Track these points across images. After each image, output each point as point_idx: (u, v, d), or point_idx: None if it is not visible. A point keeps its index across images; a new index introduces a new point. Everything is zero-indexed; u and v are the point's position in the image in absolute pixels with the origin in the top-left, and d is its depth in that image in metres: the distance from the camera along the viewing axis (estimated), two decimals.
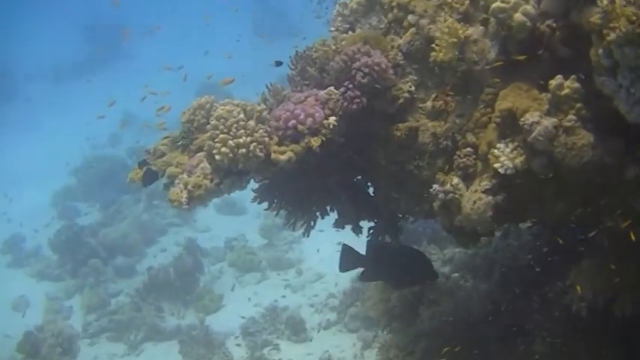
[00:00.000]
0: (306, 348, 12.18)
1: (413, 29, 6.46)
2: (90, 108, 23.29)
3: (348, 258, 7.66)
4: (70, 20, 38.25)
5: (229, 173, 6.21)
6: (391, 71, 6.27)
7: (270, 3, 33.86)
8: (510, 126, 5.54)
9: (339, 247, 7.65)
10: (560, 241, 6.73)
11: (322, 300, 13.62)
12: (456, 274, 9.77)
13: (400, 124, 6.37)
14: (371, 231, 7.58)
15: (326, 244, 8.93)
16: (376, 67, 6.12)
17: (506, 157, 5.55)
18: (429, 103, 6.31)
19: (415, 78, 6.48)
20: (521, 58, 5.55)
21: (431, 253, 11.05)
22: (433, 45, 6.13)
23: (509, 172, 5.54)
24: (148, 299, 14.59)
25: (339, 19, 7.22)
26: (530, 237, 8.16)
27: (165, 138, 6.82)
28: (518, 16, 5.47)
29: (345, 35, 6.85)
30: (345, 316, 12.60)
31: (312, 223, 7.36)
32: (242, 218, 18.38)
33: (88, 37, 35.35)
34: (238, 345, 12.57)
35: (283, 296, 14.11)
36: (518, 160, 5.51)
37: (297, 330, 12.58)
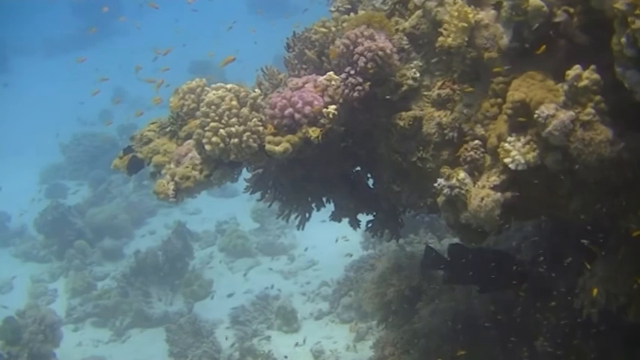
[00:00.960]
0: (298, 339, 11.88)
1: (419, 12, 6.09)
2: (80, 83, 23.02)
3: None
4: None
5: (220, 164, 5.85)
6: (396, 57, 5.88)
7: None
8: (523, 118, 5.21)
9: (332, 234, 7.31)
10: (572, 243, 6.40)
11: (315, 288, 13.39)
12: None
13: (403, 113, 6.06)
14: (369, 224, 7.23)
15: (319, 230, 8.64)
16: (380, 53, 5.71)
17: (517, 151, 5.22)
18: (434, 91, 5.98)
19: (420, 64, 6.11)
20: (541, 49, 5.19)
21: (428, 242, 10.81)
22: (441, 29, 5.76)
23: (520, 167, 5.21)
24: (135, 284, 14.34)
25: None
26: (532, 229, 7.79)
27: (153, 123, 6.45)
28: (534, 1, 5.09)
29: (346, 16, 6.42)
30: (338, 306, 12.37)
31: (307, 214, 7.04)
32: (233, 200, 18.15)
33: (78, 11, 34.89)
34: (227, 338, 12.25)
35: (272, 286, 13.79)
36: (531, 156, 5.18)
37: (288, 320, 12.31)
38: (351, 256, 12.86)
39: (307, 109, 5.66)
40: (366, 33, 5.79)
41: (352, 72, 5.83)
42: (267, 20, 22.19)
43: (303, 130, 5.70)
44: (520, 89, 5.22)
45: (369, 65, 5.74)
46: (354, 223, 7.19)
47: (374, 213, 7.16)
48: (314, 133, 5.64)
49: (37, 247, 17.10)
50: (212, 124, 5.65)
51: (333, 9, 6.80)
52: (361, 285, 11.14)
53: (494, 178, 5.45)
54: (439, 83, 5.98)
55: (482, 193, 5.45)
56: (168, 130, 6.30)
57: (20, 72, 32.76)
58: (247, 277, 14.45)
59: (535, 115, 5.02)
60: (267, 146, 5.69)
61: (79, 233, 16.75)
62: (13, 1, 38.20)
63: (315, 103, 5.67)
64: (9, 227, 18.65)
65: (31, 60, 34.10)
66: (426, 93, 6.06)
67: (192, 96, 6.20)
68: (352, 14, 6.46)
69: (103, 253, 16.38)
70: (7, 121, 26.95)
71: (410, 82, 6.04)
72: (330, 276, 13.31)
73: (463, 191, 5.63)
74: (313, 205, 6.99)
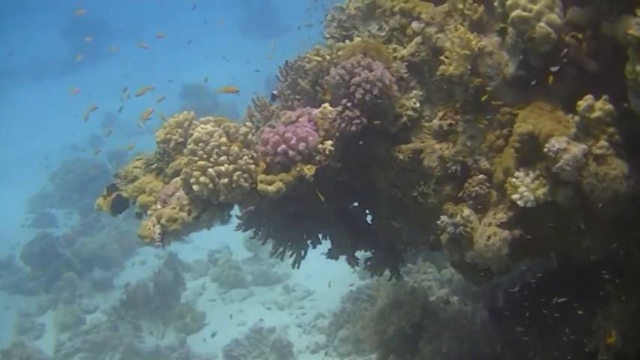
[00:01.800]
0: None
1: (418, 38, 5.85)
2: (70, 108, 22.65)
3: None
4: (50, 17, 37.71)
5: (209, 205, 5.53)
6: (395, 87, 5.58)
7: (255, 4, 33.20)
8: (531, 152, 4.98)
9: (328, 262, 6.99)
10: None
11: (310, 320, 13.01)
12: (456, 298, 9.34)
13: (403, 146, 5.85)
14: (368, 262, 6.92)
15: (314, 258, 8.30)
16: (379, 83, 5.39)
17: (526, 187, 5.00)
18: (435, 122, 5.78)
19: (420, 93, 5.88)
20: (549, 78, 4.93)
21: (427, 272, 10.54)
22: (442, 57, 5.52)
23: (529, 204, 4.99)
24: (125, 317, 14.00)
25: (334, 24, 6.55)
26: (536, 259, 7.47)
27: (138, 160, 6.10)
28: (541, 27, 4.85)
29: (341, 44, 6.11)
30: (334, 339, 11.96)
31: (302, 252, 6.70)
32: (226, 229, 17.35)
33: (67, 34, 34.69)
34: None
35: (260, 320, 13.42)
36: (541, 192, 4.95)
37: (283, 354, 11.97)
38: (351, 285, 12.55)
39: (302, 146, 5.34)
40: (363, 63, 5.48)
41: (349, 104, 5.54)
42: (257, 41, 21.94)
43: (298, 168, 5.40)
44: (528, 121, 4.99)
45: (366, 97, 5.45)
46: (352, 261, 6.88)
47: (372, 250, 6.86)
48: (309, 171, 5.33)
49: (24, 279, 16.68)
50: (200, 162, 5.32)
51: (327, 35, 6.55)
52: (359, 318, 10.81)
53: (502, 215, 5.24)
54: (440, 114, 5.78)
55: (489, 231, 5.22)
56: (154, 166, 5.99)
57: (8, 96, 32.41)
58: (241, 309, 14.02)
59: (545, 149, 4.78)
60: (260, 186, 5.39)
61: (68, 264, 16.36)
62: (0, 24, 38.09)
63: (310, 139, 5.36)
64: None
65: (20, 84, 33.79)
66: (426, 124, 5.84)
67: (180, 130, 5.91)
68: (347, 41, 6.16)
69: (93, 285, 15.97)
70: None
71: (409, 112, 5.81)
72: (327, 307, 12.96)
73: (468, 229, 5.42)
74: (309, 242, 6.66)
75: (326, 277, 13.11)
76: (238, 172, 5.32)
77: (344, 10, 6.48)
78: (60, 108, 27.78)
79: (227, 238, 16.47)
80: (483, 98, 5.26)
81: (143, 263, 16.83)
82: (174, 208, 5.46)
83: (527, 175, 4.98)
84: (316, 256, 6.81)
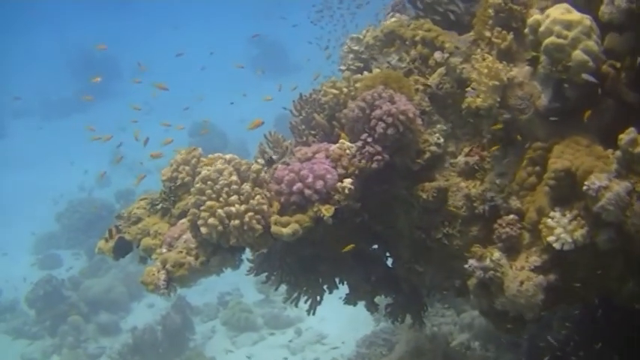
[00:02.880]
0: None
1: (441, 69, 5.55)
2: (78, 146, 22.69)
3: None
4: (58, 55, 37.83)
5: (219, 249, 5.16)
6: (419, 121, 5.19)
7: (267, 41, 33.18)
8: (568, 190, 4.68)
9: (342, 305, 6.59)
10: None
11: None
12: (477, 343, 8.82)
13: (426, 184, 5.49)
14: (388, 308, 6.54)
15: (328, 300, 7.94)
16: (401, 117, 5.03)
17: (563, 228, 4.67)
18: (461, 159, 5.48)
19: (444, 128, 5.58)
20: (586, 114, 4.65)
21: (445, 315, 10.12)
22: (468, 88, 5.23)
23: (566, 247, 4.65)
24: None
25: (351, 56, 6.26)
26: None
27: (143, 199, 5.74)
28: (578, 54, 4.58)
29: (359, 76, 5.76)
30: None
31: (318, 298, 6.32)
32: (237, 270, 17.12)
33: (77, 72, 34.67)
34: None
35: None
36: (579, 233, 4.62)
37: None
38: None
39: (319, 184, 4.96)
40: (384, 94, 5.14)
41: (369, 139, 5.20)
42: (269, 79, 21.72)
43: (315, 209, 5.04)
44: (564, 156, 4.70)
45: (389, 132, 5.09)
46: (372, 307, 6.51)
47: (393, 295, 6.48)
48: (327, 211, 4.95)
49: (28, 323, 16.29)
50: (208, 202, 4.96)
51: (343, 67, 6.25)
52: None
53: (535, 259, 4.91)
54: (466, 149, 5.46)
55: (522, 276, 4.89)
56: (159, 207, 5.65)
57: (17, 136, 32.34)
58: (252, 353, 13.61)
59: (584, 187, 4.48)
60: (274, 228, 5.02)
61: (73, 307, 15.99)
62: (9, 62, 38.15)
63: (328, 176, 4.98)
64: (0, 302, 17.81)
65: (29, 123, 33.70)
66: (451, 161, 5.54)
67: (187, 168, 5.59)
68: (365, 73, 5.80)
69: (99, 329, 15.59)
70: (3, 185, 26.33)
71: (433, 148, 5.50)
72: (341, 352, 12.48)
73: (498, 273, 5.05)
74: (325, 287, 6.29)
75: (340, 320, 12.80)
76: (250, 213, 4.97)
77: (360, 40, 6.16)
78: (68, 147, 27.55)
79: (237, 279, 15.93)
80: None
81: (151, 306, 16.48)
82: (180, 252, 5.09)
83: (564, 215, 4.66)
84: (329, 298, 6.45)
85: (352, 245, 5.45)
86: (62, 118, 32.82)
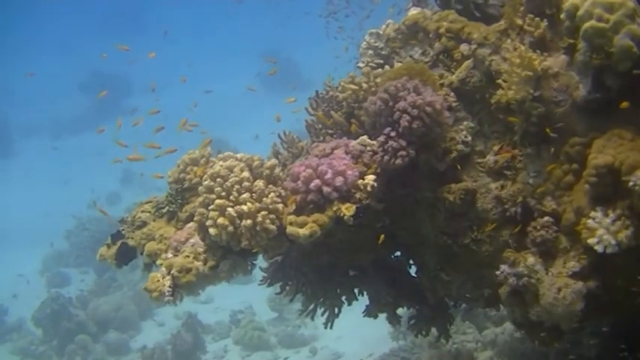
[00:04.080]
0: None
1: (468, 62, 5.22)
2: (89, 165, 23.11)
3: None
4: (68, 74, 38.01)
5: (229, 252, 4.84)
6: (447, 114, 4.81)
7: (280, 58, 33.13)
8: (610, 188, 4.35)
9: (359, 322, 6.28)
10: None
11: None
12: None
13: (453, 185, 5.18)
14: (412, 321, 6.18)
15: (344, 317, 7.63)
16: (428, 109, 4.65)
17: (605, 229, 4.31)
18: (490, 158, 5.16)
19: (472, 125, 5.24)
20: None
21: (466, 333, 9.77)
22: (499, 81, 4.90)
23: (610, 250, 4.30)
24: None
25: (370, 52, 5.95)
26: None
27: (148, 202, 5.41)
28: (621, 40, 4.25)
29: (380, 70, 5.42)
30: None
31: (335, 310, 5.99)
32: (249, 287, 16.91)
33: (87, 91, 34.75)
34: None
35: None
36: (624, 235, 4.28)
37: None
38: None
39: (339, 181, 4.58)
40: (409, 85, 4.73)
41: (393, 134, 4.85)
42: (280, 96, 21.54)
43: (334, 208, 4.68)
44: (605, 151, 4.39)
45: (414, 125, 4.72)
46: (394, 320, 6.16)
47: (417, 307, 6.13)
48: (348, 210, 4.59)
49: (35, 342, 16.11)
50: (218, 201, 4.64)
51: (362, 64, 5.89)
52: None
53: (573, 264, 4.62)
54: (496, 148, 5.14)
55: (559, 283, 4.61)
56: (165, 210, 5.32)
57: (27, 155, 32.34)
58: None
59: (630, 184, 4.19)
60: (289, 229, 4.68)
61: (81, 326, 15.80)
62: (19, 84, 38.26)
63: (349, 172, 4.60)
64: (6, 321, 17.66)
65: (39, 142, 33.74)
66: (479, 160, 5.21)
67: (195, 168, 5.15)
68: (387, 67, 5.45)
69: (107, 348, 15.37)
70: (9, 207, 26.21)
71: (460, 147, 5.20)
72: None
73: (533, 280, 4.78)
74: (343, 298, 5.97)
75: (356, 338, 12.65)
76: (263, 212, 4.65)
77: (380, 35, 5.82)
78: (78, 165, 27.50)
79: (250, 297, 16.09)
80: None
81: (161, 325, 16.36)
82: (187, 256, 4.76)
83: (607, 215, 4.33)
84: (346, 315, 6.14)
85: (382, 235, 5.12)
86: (73, 137, 32.87)
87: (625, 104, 4.29)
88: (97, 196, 22.96)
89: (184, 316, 15.01)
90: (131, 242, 5.22)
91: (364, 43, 5.96)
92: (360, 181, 4.77)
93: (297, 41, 32.11)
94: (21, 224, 23.97)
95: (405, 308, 6.23)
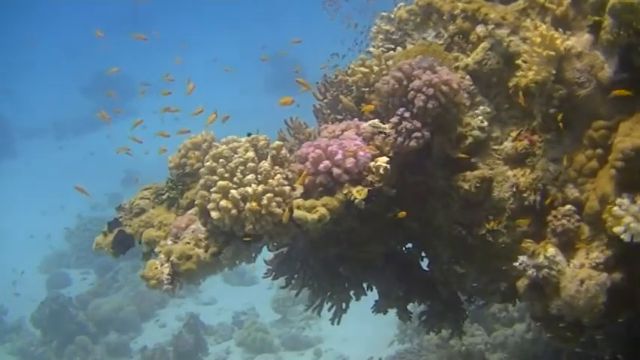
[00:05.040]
0: None
1: (485, 43, 4.96)
2: (90, 166, 22.35)
3: None
4: (71, 75, 37.94)
5: (232, 238, 4.55)
6: (464, 94, 4.52)
7: (283, 60, 32.98)
8: (639, 173, 4.13)
9: (366, 323, 6.02)
10: None
11: None
12: None
13: (468, 173, 4.94)
14: (423, 317, 5.93)
15: (350, 318, 7.39)
16: (444, 88, 4.38)
17: (633, 217, 4.09)
18: (507, 144, 4.94)
19: (488, 110, 4.98)
20: None
21: (474, 335, 9.56)
22: (518, 61, 4.69)
23: (637, 239, 4.08)
24: None
25: (380, 37, 5.74)
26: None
27: (147, 189, 5.12)
28: None
29: (392, 53, 5.18)
30: None
31: (343, 305, 5.75)
32: (252, 289, 17.01)
33: (89, 93, 34.66)
34: None
35: None
36: None
37: None
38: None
39: (350, 163, 4.30)
40: (424, 63, 4.47)
41: (407, 114, 4.59)
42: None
43: (345, 191, 4.41)
44: (633, 134, 4.19)
45: (429, 105, 4.45)
46: (404, 315, 5.91)
47: (429, 302, 5.88)
48: (359, 193, 4.33)
49: (34, 343, 15.88)
50: (220, 182, 4.36)
51: (372, 49, 5.61)
52: None
53: (597, 254, 4.42)
54: (514, 134, 4.92)
55: (582, 274, 4.41)
56: (165, 196, 5.05)
57: (29, 156, 32.22)
58: None
59: None
60: (297, 212, 4.41)
61: (81, 327, 15.58)
62: (21, 84, 38.20)
63: (361, 153, 4.34)
64: (5, 321, 17.45)
65: (41, 143, 33.66)
66: (496, 147, 4.98)
67: (197, 153, 4.95)
68: (399, 49, 5.19)
69: (108, 350, 15.12)
70: (10, 207, 26.08)
71: (475, 132, 4.97)
72: None
73: (554, 272, 4.56)
74: (351, 292, 5.72)
75: (362, 340, 12.51)
76: (269, 195, 4.37)
77: (392, 19, 5.57)
78: (81, 166, 27.35)
79: (253, 298, 16.00)
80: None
81: (163, 326, 16.06)
82: (188, 243, 4.48)
83: (635, 202, 4.12)
84: (351, 317, 5.93)
85: (404, 212, 4.89)
86: (75, 137, 32.79)
87: None
88: (101, 197, 22.90)
89: (186, 317, 14.81)
90: (129, 230, 4.96)
91: (374, 27, 5.73)
92: (373, 163, 4.52)
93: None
94: (21, 224, 23.82)
95: (416, 304, 5.99)
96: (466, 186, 4.87)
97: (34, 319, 15.92)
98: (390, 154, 4.61)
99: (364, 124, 4.68)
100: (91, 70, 35.03)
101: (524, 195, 4.76)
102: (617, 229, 4.10)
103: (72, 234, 21.21)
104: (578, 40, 4.46)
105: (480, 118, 4.91)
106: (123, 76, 31.15)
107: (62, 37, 44.11)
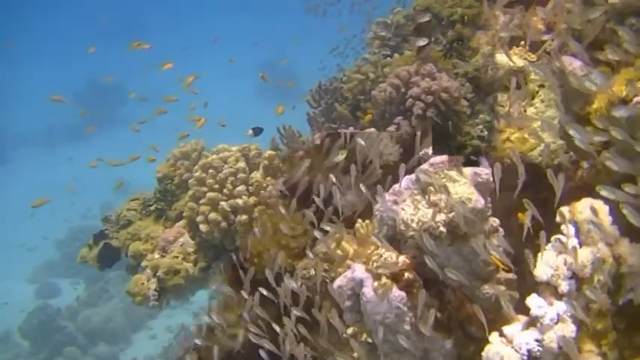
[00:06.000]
0: None
1: (485, 50, 4.71)
2: (82, 175, 22.17)
3: None
4: (63, 83, 37.67)
5: (222, 252, 4.35)
6: (465, 102, 4.33)
7: (277, 69, 32.77)
8: None
9: None
10: None
11: None
12: None
13: None
14: None
15: None
16: (444, 95, 4.15)
17: None
18: None
19: (488, 119, 4.67)
20: None
21: None
22: None
23: None
24: None
25: (377, 42, 5.49)
26: None
27: (134, 200, 4.89)
28: None
29: (389, 59, 4.98)
30: None
31: None
32: None
33: (81, 100, 34.41)
34: None
35: None
36: None
37: None
38: None
39: None
40: (422, 70, 4.25)
41: (404, 123, 4.28)
42: (272, 105, 21.28)
43: None
44: None
45: (428, 113, 4.18)
46: None
47: None
48: None
49: (22, 355, 15.63)
50: (210, 194, 4.10)
51: (368, 56, 5.39)
52: None
53: None
54: None
55: None
56: (153, 208, 4.80)
57: (20, 163, 31.96)
58: None
59: None
60: None
61: (70, 338, 15.33)
62: (13, 91, 37.94)
63: None
64: None
65: (32, 151, 33.37)
66: None
67: (187, 163, 4.70)
68: (396, 55, 5.01)
69: None
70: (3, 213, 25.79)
71: (475, 142, 4.59)
72: None
73: None
74: None
75: None
76: (261, 207, 4.07)
77: (388, 25, 5.37)
78: (72, 175, 27.09)
79: None
80: None
81: (153, 337, 15.77)
82: (175, 257, 4.27)
83: None
84: None
85: None
86: (67, 145, 32.50)
87: None
88: (93, 206, 22.66)
89: (177, 328, 14.51)
90: (115, 242, 4.74)
91: (370, 33, 5.55)
92: None
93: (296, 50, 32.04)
94: (12, 233, 23.53)
95: None
96: None
97: (22, 331, 15.66)
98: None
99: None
100: (83, 78, 34.87)
101: None
102: None
103: (62, 243, 20.85)
104: None
105: (480, 127, 4.64)
106: (115, 84, 30.98)
107: (56, 43, 43.94)
